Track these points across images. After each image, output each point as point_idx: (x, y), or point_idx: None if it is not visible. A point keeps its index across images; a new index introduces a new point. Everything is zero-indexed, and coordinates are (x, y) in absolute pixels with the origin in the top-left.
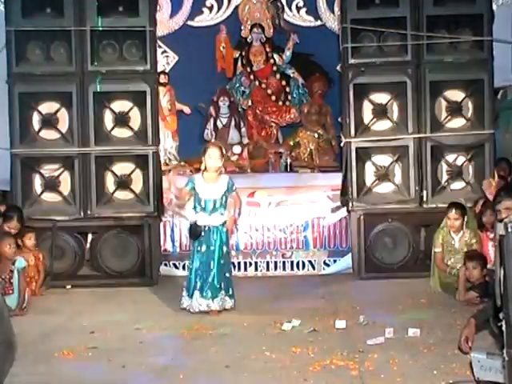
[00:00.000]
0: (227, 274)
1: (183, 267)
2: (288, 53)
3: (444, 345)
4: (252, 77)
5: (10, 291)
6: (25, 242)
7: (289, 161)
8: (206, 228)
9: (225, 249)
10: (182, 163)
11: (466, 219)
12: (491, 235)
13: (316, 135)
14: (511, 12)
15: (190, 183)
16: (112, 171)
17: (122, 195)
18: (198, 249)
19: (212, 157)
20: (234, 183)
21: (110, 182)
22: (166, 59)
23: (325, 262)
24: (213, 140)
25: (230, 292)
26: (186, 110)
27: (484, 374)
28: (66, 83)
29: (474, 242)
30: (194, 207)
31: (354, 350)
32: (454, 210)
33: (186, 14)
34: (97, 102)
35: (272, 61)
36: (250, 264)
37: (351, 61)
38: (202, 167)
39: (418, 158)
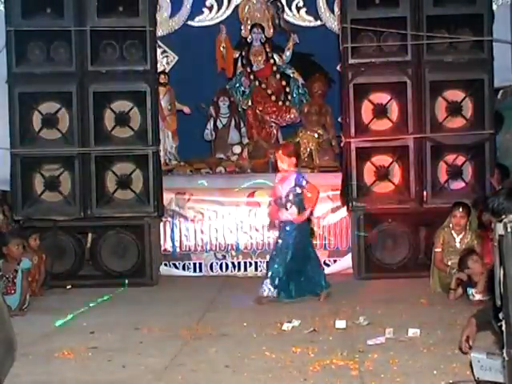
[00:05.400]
0: (274, 265)
1: (183, 267)
2: (288, 53)
3: (444, 345)
4: (252, 77)
5: (12, 291)
6: (29, 243)
7: None
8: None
9: None
10: (182, 163)
11: (470, 219)
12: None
13: (316, 135)
14: (511, 12)
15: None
16: (112, 171)
17: (122, 195)
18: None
19: (277, 160)
20: (303, 179)
21: (110, 182)
22: (166, 59)
23: (325, 262)
24: (212, 139)
25: (276, 282)
26: (186, 109)
27: (484, 373)
28: (66, 83)
29: (475, 243)
30: None
31: (354, 350)
32: (460, 208)
33: (186, 14)
34: (97, 102)
35: (272, 61)
36: (250, 264)
37: (351, 61)
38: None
39: (417, 158)
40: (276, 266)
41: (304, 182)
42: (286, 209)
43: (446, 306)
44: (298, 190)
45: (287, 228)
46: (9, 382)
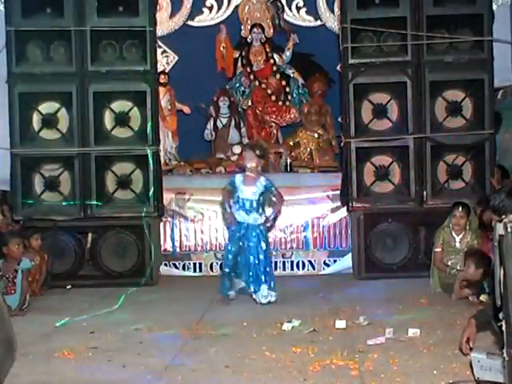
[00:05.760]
0: (268, 269)
1: (183, 267)
2: (288, 53)
3: (444, 345)
4: (252, 77)
5: (12, 291)
6: (31, 243)
7: (289, 161)
8: (245, 224)
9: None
10: (182, 163)
11: (469, 219)
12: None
13: (316, 135)
14: (511, 12)
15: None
16: (112, 171)
17: (122, 195)
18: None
19: (246, 158)
20: (273, 184)
21: (110, 182)
22: (166, 59)
23: (325, 262)
24: (212, 139)
25: (272, 285)
26: (186, 109)
27: (484, 373)
28: (66, 83)
29: (475, 243)
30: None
31: (354, 350)
32: (460, 208)
33: (186, 14)
34: (97, 102)
35: (272, 61)
36: None
37: (351, 61)
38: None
39: (417, 158)
40: (271, 272)
41: (273, 188)
42: (256, 212)
43: (446, 305)
44: (266, 195)
45: (256, 231)
46: (9, 382)
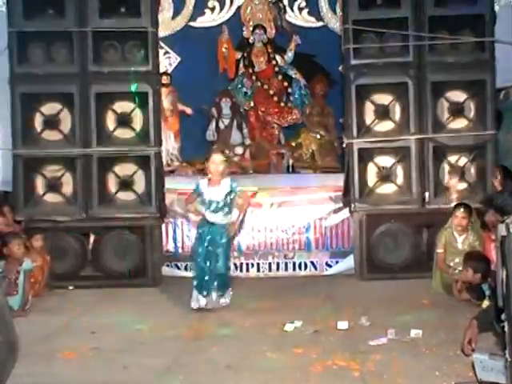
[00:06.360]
0: (229, 272)
1: (185, 268)
2: (290, 54)
3: (446, 346)
4: (254, 78)
5: (15, 292)
6: (33, 244)
7: (291, 162)
8: (212, 224)
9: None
10: (184, 164)
11: (472, 220)
12: (493, 236)
13: (318, 136)
14: None
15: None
16: (114, 172)
17: (124, 196)
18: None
19: (215, 162)
20: (237, 185)
21: (111, 183)
22: (168, 60)
23: (327, 263)
24: (214, 140)
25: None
26: (188, 110)
27: (486, 374)
28: (67, 84)
29: (477, 244)
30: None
31: (356, 351)
32: (462, 209)
33: (188, 15)
34: (99, 102)
35: (274, 62)
36: (252, 265)
37: (353, 62)
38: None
39: (420, 159)
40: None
41: (238, 188)
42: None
43: (449, 306)
44: (232, 195)
45: (222, 235)
46: (10, 383)
